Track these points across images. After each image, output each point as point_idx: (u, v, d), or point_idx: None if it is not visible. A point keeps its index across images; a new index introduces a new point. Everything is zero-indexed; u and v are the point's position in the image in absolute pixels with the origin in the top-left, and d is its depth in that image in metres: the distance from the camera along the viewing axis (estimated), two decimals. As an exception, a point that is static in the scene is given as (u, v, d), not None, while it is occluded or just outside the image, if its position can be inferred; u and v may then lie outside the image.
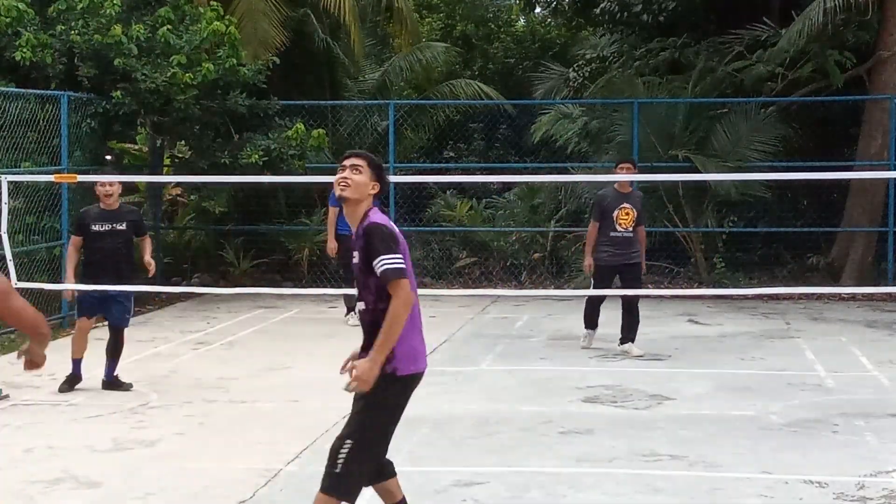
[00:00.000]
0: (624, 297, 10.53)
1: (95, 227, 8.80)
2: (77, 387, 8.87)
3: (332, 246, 12.31)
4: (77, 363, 8.90)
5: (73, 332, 11.69)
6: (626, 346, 10.58)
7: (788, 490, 6.13)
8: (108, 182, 8.87)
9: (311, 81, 17.10)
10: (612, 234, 10.43)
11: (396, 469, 4.96)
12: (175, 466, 6.65)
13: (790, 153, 15.89)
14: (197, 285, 15.40)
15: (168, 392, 8.87)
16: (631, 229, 10.49)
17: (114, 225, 8.83)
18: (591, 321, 10.89)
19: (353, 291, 4.81)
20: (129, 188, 17.19)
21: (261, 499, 6.04)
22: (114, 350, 8.91)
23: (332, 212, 12.32)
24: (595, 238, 10.51)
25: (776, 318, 12.95)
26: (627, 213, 10.46)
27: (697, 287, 14.91)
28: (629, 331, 10.60)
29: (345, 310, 12.82)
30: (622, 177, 10.39)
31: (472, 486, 6.20)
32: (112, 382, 8.89)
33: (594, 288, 10.70)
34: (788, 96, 15.97)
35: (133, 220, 8.99)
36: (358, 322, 4.83)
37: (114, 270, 8.77)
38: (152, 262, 9.14)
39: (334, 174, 4.84)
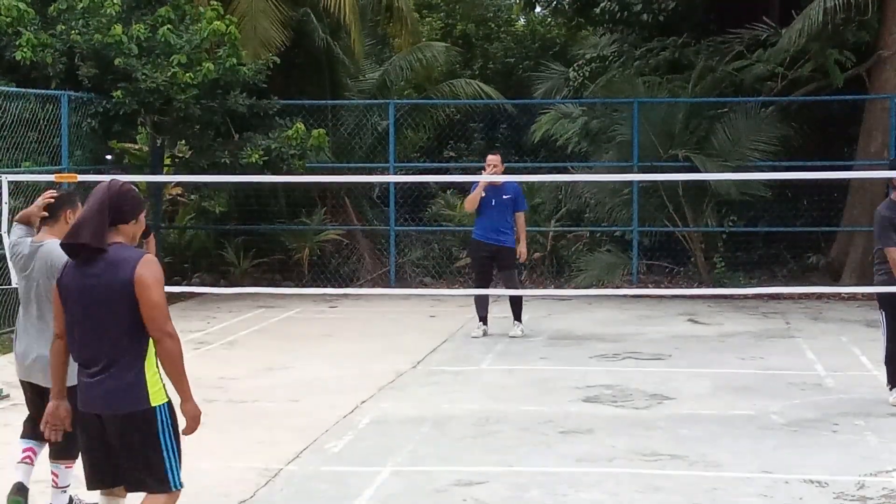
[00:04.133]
0: None
1: None
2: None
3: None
4: None
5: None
6: None
7: (788, 489, 6.13)
8: None
9: (311, 81, 17.09)
10: None
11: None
12: (175, 466, 6.65)
13: (790, 153, 15.89)
14: (197, 285, 15.40)
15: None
16: None
17: None
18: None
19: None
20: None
21: (261, 498, 6.05)
22: None
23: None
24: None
25: (776, 318, 12.95)
26: None
27: (697, 286, 14.90)
28: None
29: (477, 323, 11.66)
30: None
31: (473, 486, 6.21)
32: None
33: (891, 333, 8.08)
34: (788, 96, 15.97)
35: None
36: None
37: None
38: None
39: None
